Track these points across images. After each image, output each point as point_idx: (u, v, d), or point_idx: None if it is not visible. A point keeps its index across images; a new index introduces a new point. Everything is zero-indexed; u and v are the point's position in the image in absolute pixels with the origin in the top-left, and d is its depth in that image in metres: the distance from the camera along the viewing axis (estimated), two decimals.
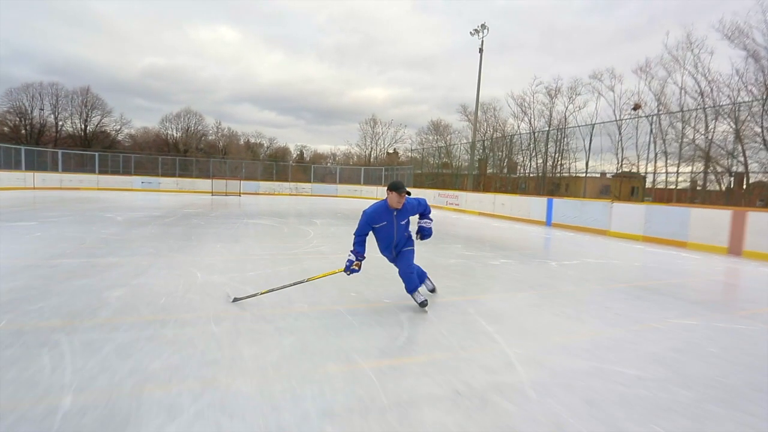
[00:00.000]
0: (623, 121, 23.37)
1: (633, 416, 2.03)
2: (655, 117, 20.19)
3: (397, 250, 3.75)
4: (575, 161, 23.06)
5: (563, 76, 52.26)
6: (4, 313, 3.10)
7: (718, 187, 19.32)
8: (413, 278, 3.68)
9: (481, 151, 26.29)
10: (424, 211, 3.78)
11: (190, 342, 2.73)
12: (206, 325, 3.07)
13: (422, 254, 6.38)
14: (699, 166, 19.87)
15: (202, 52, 61.23)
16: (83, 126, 42.62)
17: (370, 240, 3.68)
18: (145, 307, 3.39)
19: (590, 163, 18.54)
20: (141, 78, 56.55)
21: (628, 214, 10.87)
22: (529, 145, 25.23)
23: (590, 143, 18.62)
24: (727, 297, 5.20)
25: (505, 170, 25.41)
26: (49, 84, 40.84)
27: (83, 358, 2.41)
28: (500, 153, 26.61)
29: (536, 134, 27.25)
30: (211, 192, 24.50)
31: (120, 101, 69.58)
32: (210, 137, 49.06)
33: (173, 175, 27.89)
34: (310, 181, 31.19)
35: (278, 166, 33.84)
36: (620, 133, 22.67)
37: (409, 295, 3.74)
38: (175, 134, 47.06)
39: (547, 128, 31.83)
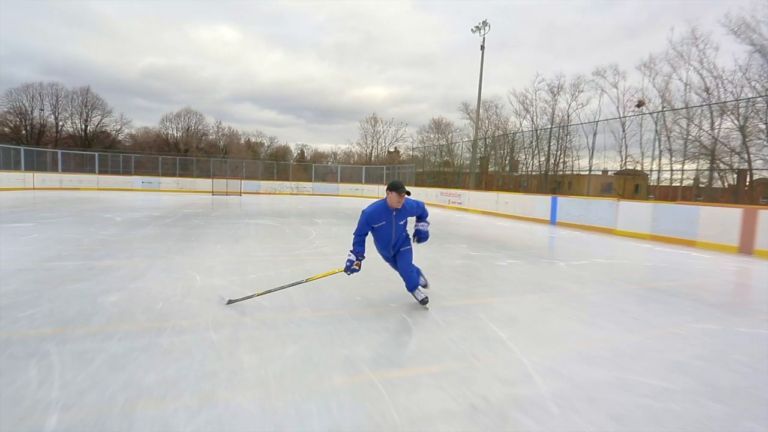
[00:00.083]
0: (627, 119, 23.19)
1: None
2: (659, 114, 19.97)
3: (395, 250, 3.74)
4: (578, 159, 22.93)
5: (566, 73, 51.88)
6: None
7: (722, 185, 19.13)
8: (413, 276, 3.69)
9: (483, 149, 26.11)
10: (421, 214, 3.81)
11: (188, 352, 2.58)
12: (205, 332, 2.92)
13: (426, 255, 6.23)
14: (703, 164, 19.68)
15: (202, 51, 61.17)
16: (83, 126, 42.52)
17: (369, 238, 3.66)
18: (141, 314, 3.24)
19: (593, 161, 18.40)
20: (141, 78, 56.50)
21: (635, 212, 10.69)
22: (532, 142, 25.02)
23: (594, 141, 18.48)
24: (744, 299, 5.03)
25: (507, 168, 25.26)
26: (49, 84, 40.78)
27: (73, 370, 2.26)
28: (502, 151, 26.45)
29: (539, 132, 27.04)
30: (212, 192, 24.37)
31: (120, 101, 69.56)
32: (210, 137, 48.98)
33: (174, 175, 27.76)
34: (311, 180, 31.04)
35: (279, 165, 33.72)
36: (624, 131, 22.54)
37: (410, 293, 3.76)
38: (175, 134, 46.95)
39: (549, 126, 31.57)
